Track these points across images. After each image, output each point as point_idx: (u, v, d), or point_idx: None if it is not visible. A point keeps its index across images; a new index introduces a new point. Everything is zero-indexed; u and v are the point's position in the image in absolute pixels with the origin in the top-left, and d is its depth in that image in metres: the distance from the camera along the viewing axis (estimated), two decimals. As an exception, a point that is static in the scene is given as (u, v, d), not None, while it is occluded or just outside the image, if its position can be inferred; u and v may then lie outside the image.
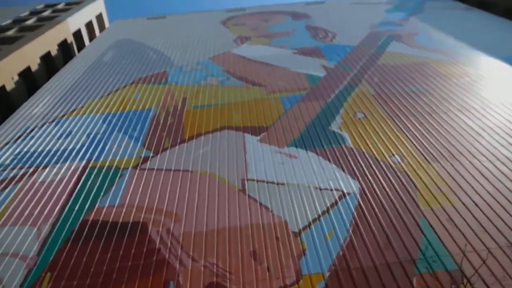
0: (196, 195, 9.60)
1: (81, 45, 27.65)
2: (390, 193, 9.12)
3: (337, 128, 12.07)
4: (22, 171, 11.33)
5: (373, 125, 12.07)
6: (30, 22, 26.17)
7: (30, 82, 20.51)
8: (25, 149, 12.47)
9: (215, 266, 7.57)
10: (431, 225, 8.09)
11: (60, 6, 30.77)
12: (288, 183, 9.75)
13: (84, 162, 11.46)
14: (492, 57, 16.44)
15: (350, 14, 25.96)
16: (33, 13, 29.29)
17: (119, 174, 10.72)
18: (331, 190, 9.39)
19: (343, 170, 10.08)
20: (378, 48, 18.74)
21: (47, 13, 28.77)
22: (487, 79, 14.64)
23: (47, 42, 22.81)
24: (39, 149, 12.38)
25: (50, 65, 22.94)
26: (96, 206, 9.53)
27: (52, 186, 10.51)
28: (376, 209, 8.66)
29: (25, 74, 20.24)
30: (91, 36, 29.67)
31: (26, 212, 9.58)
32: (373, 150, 10.83)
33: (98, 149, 12.05)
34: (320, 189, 9.44)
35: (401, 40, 19.79)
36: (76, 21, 26.97)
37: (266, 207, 9.00)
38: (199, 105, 14.31)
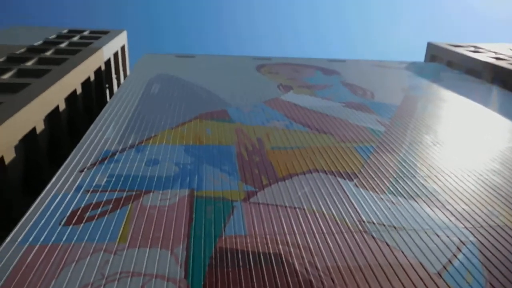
0: (322, 231, 9.92)
1: (108, 74, 27.79)
2: (507, 247, 9.80)
3: (423, 180, 12.82)
4: (125, 193, 11.26)
5: (457, 182, 12.91)
6: (63, 45, 26.20)
7: (73, 106, 20.37)
8: (117, 172, 12.40)
9: (376, 302, 7.83)
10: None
11: (86, 33, 30.98)
12: (405, 227, 10.27)
13: (187, 190, 11.54)
14: None
15: (376, 75, 27.70)
16: (60, 36, 29.31)
17: (231, 206, 10.87)
18: (448, 237, 9.97)
19: (450, 220, 10.73)
20: (420, 110, 20.15)
21: (76, 38, 28.89)
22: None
23: (88, 68, 22.87)
24: (132, 174, 12.34)
25: (88, 91, 22.88)
26: (223, 235, 9.61)
27: (166, 211, 10.51)
28: (499, 258, 9.28)
29: (71, 98, 20.12)
30: (116, 66, 29.88)
31: (151, 235, 9.52)
32: (469, 206, 11.58)
33: (196, 180, 12.16)
34: (438, 235, 10.00)
35: (436, 104, 21.39)
36: (109, 50, 27.23)
37: (395, 248, 9.43)
38: (277, 147, 14.77)
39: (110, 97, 28.39)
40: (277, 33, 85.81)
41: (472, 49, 32.68)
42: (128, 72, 33.81)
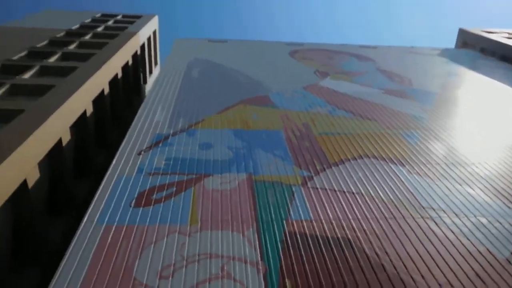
0: (385, 216, 10.11)
1: (142, 59, 28.05)
2: None
3: (475, 167, 12.89)
4: (186, 177, 11.56)
5: (508, 169, 12.94)
6: (100, 29, 26.49)
7: (115, 90, 20.69)
8: (174, 155, 12.69)
9: (451, 287, 8.03)
10: None
11: (119, 18, 31.23)
12: (465, 214, 10.40)
13: (245, 174, 11.80)
14: None
15: (411, 62, 27.48)
16: (95, 20, 29.61)
17: (291, 190, 11.10)
18: (510, 224, 10.09)
19: (509, 207, 10.82)
20: (461, 97, 20.07)
21: (110, 23, 29.15)
22: None
23: (127, 52, 23.12)
24: (189, 157, 12.64)
25: (127, 75, 23.18)
26: (290, 219, 9.86)
27: (229, 195, 10.79)
28: None
29: (113, 82, 20.43)
30: (149, 50, 30.12)
31: (220, 218, 9.81)
32: (523, 192, 11.65)
33: (251, 164, 12.40)
34: (499, 222, 10.12)
35: (476, 91, 21.28)
36: (144, 34, 27.44)
37: (460, 234, 9.58)
38: (324, 132, 14.91)
39: (144, 81, 28.74)
40: (295, 17, 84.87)
41: (506, 35, 32.12)
42: (158, 57, 34.05)
